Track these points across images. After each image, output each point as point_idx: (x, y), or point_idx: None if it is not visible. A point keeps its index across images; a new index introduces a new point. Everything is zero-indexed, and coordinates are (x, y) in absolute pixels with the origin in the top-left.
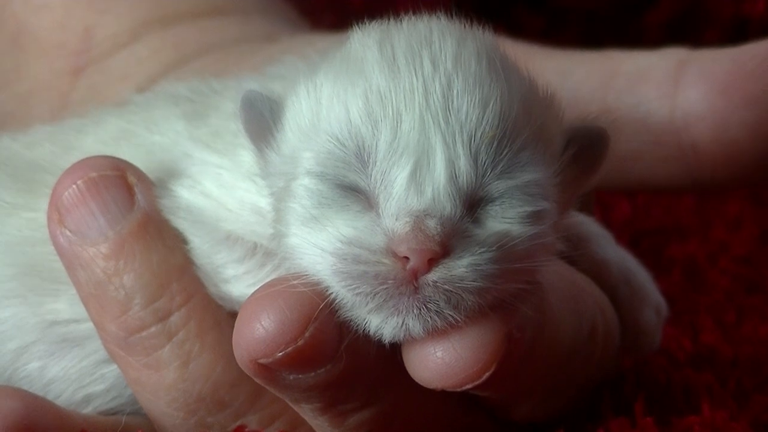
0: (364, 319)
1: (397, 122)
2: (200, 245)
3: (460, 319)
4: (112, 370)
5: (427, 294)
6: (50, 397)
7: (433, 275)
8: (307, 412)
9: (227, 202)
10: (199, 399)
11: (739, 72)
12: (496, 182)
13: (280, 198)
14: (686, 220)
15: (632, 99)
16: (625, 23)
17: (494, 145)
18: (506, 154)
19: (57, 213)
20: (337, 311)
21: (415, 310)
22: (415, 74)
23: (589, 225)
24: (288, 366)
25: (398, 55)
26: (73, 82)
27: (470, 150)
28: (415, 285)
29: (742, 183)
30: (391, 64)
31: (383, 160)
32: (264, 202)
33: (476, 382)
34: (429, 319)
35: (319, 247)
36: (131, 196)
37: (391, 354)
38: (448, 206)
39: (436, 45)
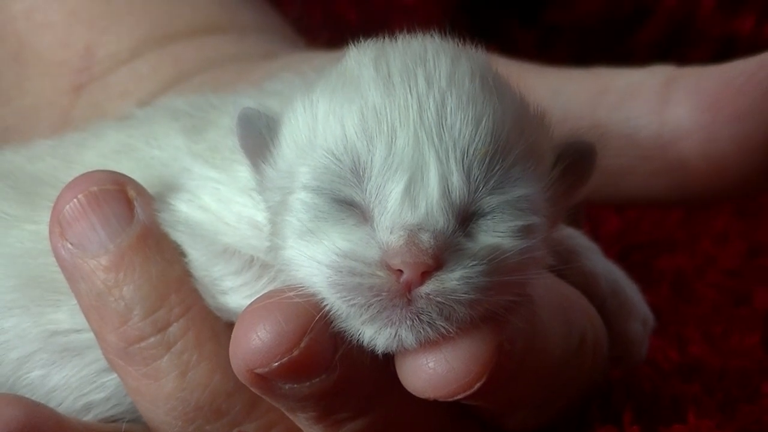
0: (358, 330)
1: (392, 138)
2: (198, 258)
3: (452, 331)
4: (112, 379)
5: (420, 306)
6: (52, 405)
7: (426, 288)
8: (302, 421)
9: (225, 216)
10: (197, 408)
11: (727, 88)
12: (488, 197)
13: (277, 212)
14: (674, 233)
15: (621, 115)
16: (615, 40)
17: (486, 161)
18: (498, 169)
19: (59, 226)
20: (331, 322)
21: (408, 322)
22: (410, 91)
23: (577, 238)
24: (284, 375)
25: (393, 73)
26: (74, 99)
27: (463, 166)
28: (409, 297)
29: (729, 196)
30: (386, 82)
31: (378, 175)
32: (260, 216)
33: (467, 393)
34: (421, 331)
35: (315, 260)
36: (131, 209)
37: (385, 364)
38: (441, 220)
39: (431, 63)
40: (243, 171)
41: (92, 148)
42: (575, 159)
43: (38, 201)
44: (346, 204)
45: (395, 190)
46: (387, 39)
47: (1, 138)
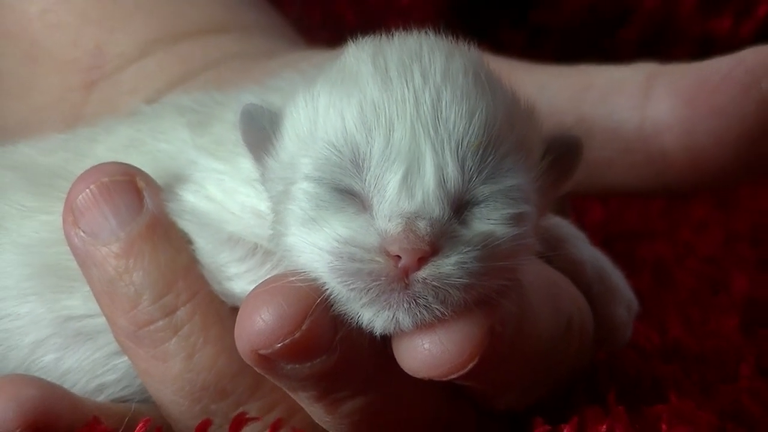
0: (357, 313)
1: (389, 131)
2: (204, 245)
3: (446, 314)
4: (123, 362)
5: (416, 290)
6: (65, 386)
7: (423, 273)
8: (303, 400)
9: (229, 206)
10: (203, 388)
11: (705, 85)
12: (481, 187)
13: (280, 201)
14: (655, 223)
15: (605, 110)
16: (599, 40)
17: (480, 153)
18: (491, 161)
19: (72, 215)
20: (332, 306)
21: (405, 305)
22: (407, 86)
23: (565, 227)
24: (286, 356)
25: (391, 69)
26: (85, 96)
27: (457, 157)
28: (406, 282)
29: (707, 187)
30: (384, 77)
31: (377, 166)
32: (263, 206)
33: (461, 373)
34: (418, 313)
35: (317, 246)
36: (140, 199)
37: (382, 346)
38: (436, 209)
39: (426, 59)
40: (246, 163)
41: (103, 142)
42: (562, 152)
43: (51, 192)
44: (347, 193)
45: (393, 180)
46: (384, 36)
47: (17, 133)
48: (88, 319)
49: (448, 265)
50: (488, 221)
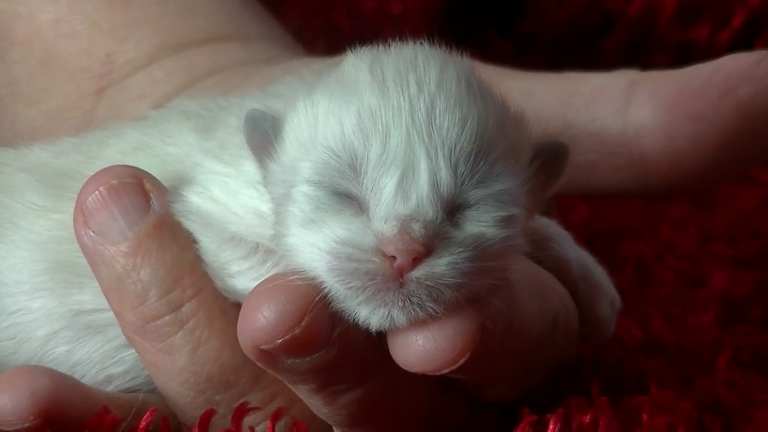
0: (354, 311)
1: (386, 137)
2: (208, 244)
3: (439, 311)
4: (130, 354)
5: (411, 289)
6: (76, 377)
7: (417, 272)
8: (303, 392)
9: (232, 207)
10: (208, 380)
11: (685, 91)
12: (473, 190)
13: (281, 203)
14: (636, 222)
15: (589, 115)
16: (584, 48)
17: (471, 158)
18: (482, 166)
19: (82, 216)
20: (330, 303)
21: (399, 303)
22: (402, 94)
23: (551, 227)
24: (286, 351)
25: (387, 77)
26: (95, 101)
27: (450, 162)
28: (401, 281)
29: (687, 189)
30: (381, 85)
31: (373, 170)
32: (265, 207)
33: (453, 367)
34: (412, 311)
35: (316, 246)
36: (147, 201)
37: (378, 341)
38: (430, 212)
39: (421, 69)
40: (249, 166)
41: (112, 145)
42: (550, 157)
43: (63, 193)
44: (345, 196)
45: (389, 184)
46: (381, 46)
47: (31, 136)
48: (98, 314)
49: (440, 265)
50: (479, 223)
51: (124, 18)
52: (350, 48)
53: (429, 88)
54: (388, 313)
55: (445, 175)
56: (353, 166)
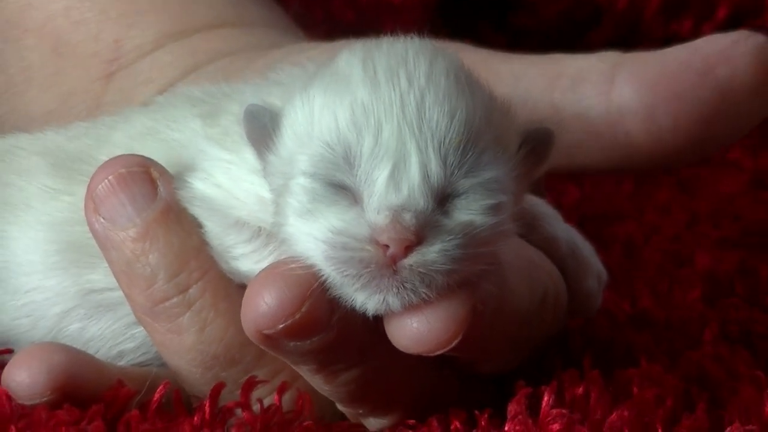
0: (351, 297)
1: (378, 130)
2: (213, 229)
3: (431, 296)
4: (140, 331)
5: (404, 276)
6: (90, 353)
7: (409, 260)
8: (304, 372)
9: (236, 192)
10: (214, 357)
11: (665, 72)
12: (462, 180)
13: (279, 194)
14: (624, 205)
15: (574, 96)
16: (573, 40)
17: (460, 149)
18: (470, 156)
19: (92, 203)
20: (328, 290)
21: (393, 289)
22: (394, 89)
23: (541, 206)
24: (288, 335)
25: (379, 73)
26: (105, 85)
27: (440, 154)
28: (394, 268)
29: (669, 166)
30: (373, 80)
31: (367, 163)
32: (266, 193)
33: (446, 348)
34: (406, 296)
35: (313, 236)
36: (154, 188)
37: (374, 324)
38: (421, 201)
39: (411, 64)
40: (251, 153)
41: (121, 130)
42: (536, 142)
43: (74, 176)
44: (339, 188)
45: (381, 176)
46: (373, 41)
47: (45, 119)
48: (109, 292)
49: (432, 252)
50: (469, 211)
51: (131, 6)
52: (349, 36)
53: (419, 82)
54: (384, 299)
55: (435, 167)
56: (347, 159)
